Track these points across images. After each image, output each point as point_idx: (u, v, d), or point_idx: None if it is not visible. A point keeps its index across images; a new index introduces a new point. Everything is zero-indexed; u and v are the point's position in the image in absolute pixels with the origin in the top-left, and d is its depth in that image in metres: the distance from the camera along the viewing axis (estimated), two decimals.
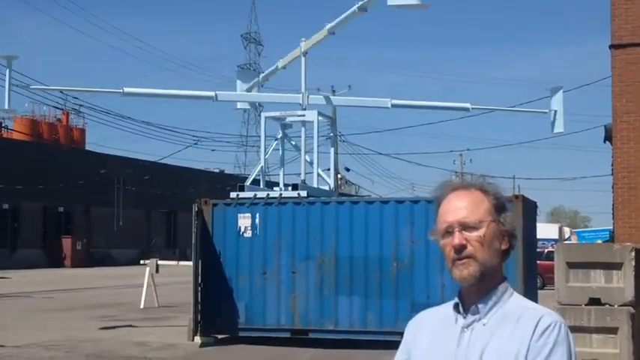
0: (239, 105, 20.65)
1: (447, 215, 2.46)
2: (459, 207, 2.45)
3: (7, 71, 16.94)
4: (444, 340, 2.48)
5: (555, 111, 18.06)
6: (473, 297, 2.46)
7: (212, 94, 17.81)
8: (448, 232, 2.45)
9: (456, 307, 2.50)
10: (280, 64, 18.27)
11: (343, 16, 16.84)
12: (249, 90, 19.47)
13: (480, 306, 2.45)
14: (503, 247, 2.46)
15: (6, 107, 17.56)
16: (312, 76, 17.55)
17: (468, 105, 17.41)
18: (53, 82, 61.45)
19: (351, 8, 16.54)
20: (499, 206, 2.47)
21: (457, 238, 2.42)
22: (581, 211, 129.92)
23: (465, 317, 2.47)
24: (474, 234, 2.42)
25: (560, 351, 2.36)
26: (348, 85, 53.09)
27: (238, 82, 19.81)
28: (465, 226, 2.43)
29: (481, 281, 2.43)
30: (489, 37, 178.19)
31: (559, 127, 18.10)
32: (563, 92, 17.72)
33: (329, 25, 17.00)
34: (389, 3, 14.95)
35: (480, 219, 2.43)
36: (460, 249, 2.41)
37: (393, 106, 17.43)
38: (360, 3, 16.28)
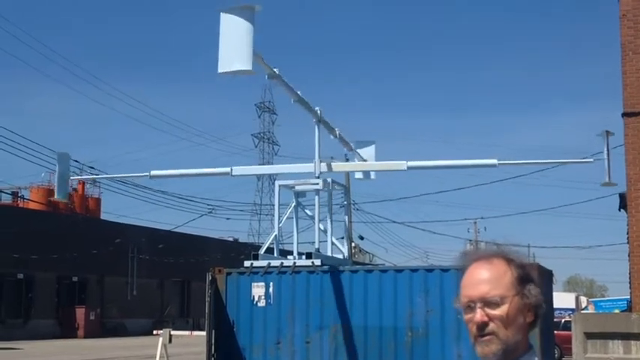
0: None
1: (468, 289, 2.38)
2: (480, 281, 2.37)
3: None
4: None
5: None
6: None
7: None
8: (470, 306, 2.37)
9: None
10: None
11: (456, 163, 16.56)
12: None
13: None
14: (528, 320, 2.39)
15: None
16: (325, 144, 17.52)
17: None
18: (68, 149, 62.08)
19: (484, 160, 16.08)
20: (523, 278, 2.39)
21: (479, 315, 2.34)
22: (598, 280, 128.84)
23: None
24: (497, 312, 2.33)
25: None
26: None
27: None
28: (486, 303, 2.34)
29: (504, 357, 2.36)
30: (500, 105, 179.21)
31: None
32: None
33: (411, 163, 16.45)
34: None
35: (502, 294, 2.34)
36: (482, 326, 2.34)
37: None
38: (499, 162, 15.67)
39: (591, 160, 14.58)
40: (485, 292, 2.34)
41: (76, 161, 36.12)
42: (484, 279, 2.36)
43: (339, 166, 18.16)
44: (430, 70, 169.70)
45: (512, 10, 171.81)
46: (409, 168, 17.02)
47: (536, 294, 2.40)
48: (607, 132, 13.22)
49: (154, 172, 17.87)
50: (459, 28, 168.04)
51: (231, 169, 17.98)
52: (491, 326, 2.33)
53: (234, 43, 12.35)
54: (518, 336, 2.37)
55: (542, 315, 2.41)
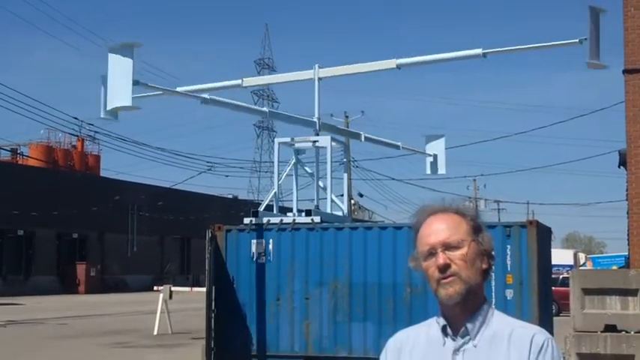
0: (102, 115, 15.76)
1: (428, 238, 2.52)
2: (439, 229, 2.51)
3: (131, 63, 13.06)
4: None
5: (435, 155, 18.95)
6: (459, 318, 2.48)
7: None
8: (431, 253, 2.49)
9: (443, 329, 2.50)
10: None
11: (442, 56, 16.66)
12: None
13: (469, 326, 2.46)
14: (484, 266, 2.50)
15: (130, 104, 13.70)
16: (325, 100, 17.49)
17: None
18: (66, 108, 61.97)
19: (468, 51, 16.07)
20: (476, 227, 2.53)
21: (441, 258, 2.46)
22: (596, 237, 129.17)
23: (454, 339, 2.48)
24: (457, 253, 2.46)
25: None
26: (361, 111, 52.94)
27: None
28: (447, 246, 2.47)
29: (466, 300, 2.45)
30: (503, 62, 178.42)
31: (441, 169, 19.11)
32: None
33: (401, 61, 16.82)
34: (587, 60, 14.23)
35: (461, 238, 2.48)
36: (444, 268, 2.45)
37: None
38: (484, 51, 15.80)
39: (577, 40, 14.55)
40: (445, 237, 2.48)
41: (75, 118, 36.06)
42: (443, 227, 2.51)
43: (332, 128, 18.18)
44: (433, 27, 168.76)
45: None
46: (398, 66, 17.06)
47: (489, 241, 2.54)
48: (598, 9, 13.78)
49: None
50: None
51: (242, 80, 18.19)
52: (453, 267, 2.45)
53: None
54: (478, 279, 2.48)
55: (493, 265, 2.55)
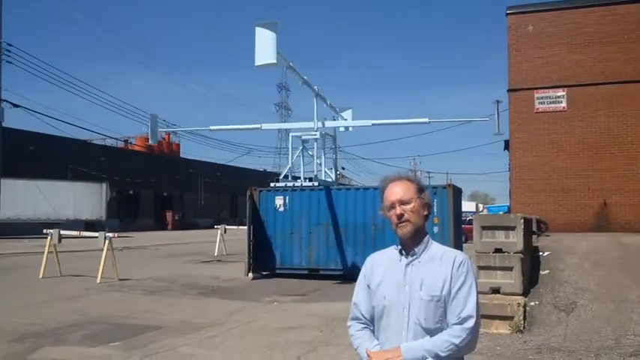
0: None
1: (390, 196, 2.52)
2: (397, 191, 2.51)
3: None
4: (394, 273, 2.53)
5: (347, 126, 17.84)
6: (410, 245, 2.52)
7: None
8: (392, 206, 2.50)
9: (400, 252, 2.54)
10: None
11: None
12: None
13: (416, 249, 2.51)
14: (425, 213, 2.54)
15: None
16: (321, 109, 17.31)
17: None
18: (158, 113, 61.54)
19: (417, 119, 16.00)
20: (420, 188, 2.55)
21: (398, 210, 2.48)
22: (490, 194, 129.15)
23: (406, 258, 2.52)
24: (408, 206, 2.48)
25: (470, 276, 2.45)
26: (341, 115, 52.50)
27: None
28: (402, 202, 2.49)
29: (414, 236, 2.50)
30: (425, 82, 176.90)
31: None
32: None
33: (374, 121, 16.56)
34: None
35: (410, 197, 2.50)
36: (400, 216, 2.48)
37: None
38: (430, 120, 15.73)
39: (487, 119, 14.99)
40: (401, 196, 2.49)
41: (164, 120, 35.83)
42: (400, 190, 2.51)
43: (328, 123, 18.07)
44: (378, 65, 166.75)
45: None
46: (373, 125, 17.08)
47: (429, 197, 2.57)
48: (497, 101, 13.82)
49: (213, 128, 17.57)
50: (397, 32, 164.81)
51: (261, 126, 17.86)
52: (406, 216, 2.47)
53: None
54: (422, 222, 2.51)
55: (431, 212, 2.58)
